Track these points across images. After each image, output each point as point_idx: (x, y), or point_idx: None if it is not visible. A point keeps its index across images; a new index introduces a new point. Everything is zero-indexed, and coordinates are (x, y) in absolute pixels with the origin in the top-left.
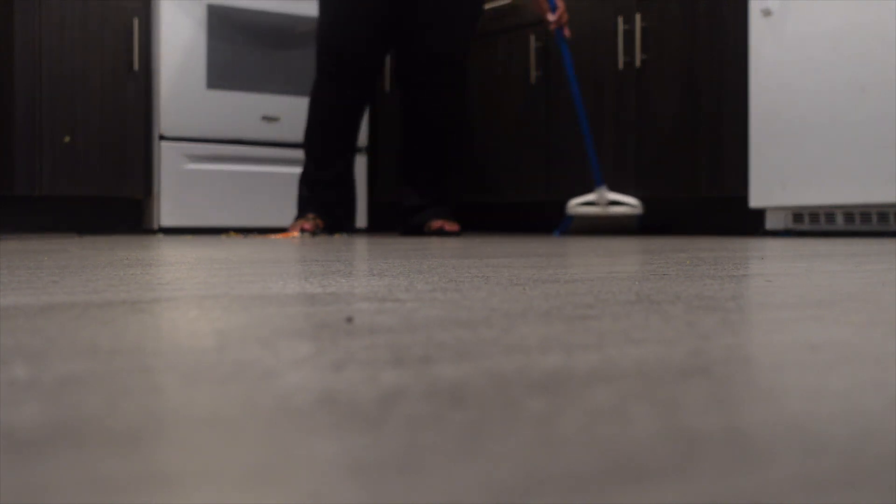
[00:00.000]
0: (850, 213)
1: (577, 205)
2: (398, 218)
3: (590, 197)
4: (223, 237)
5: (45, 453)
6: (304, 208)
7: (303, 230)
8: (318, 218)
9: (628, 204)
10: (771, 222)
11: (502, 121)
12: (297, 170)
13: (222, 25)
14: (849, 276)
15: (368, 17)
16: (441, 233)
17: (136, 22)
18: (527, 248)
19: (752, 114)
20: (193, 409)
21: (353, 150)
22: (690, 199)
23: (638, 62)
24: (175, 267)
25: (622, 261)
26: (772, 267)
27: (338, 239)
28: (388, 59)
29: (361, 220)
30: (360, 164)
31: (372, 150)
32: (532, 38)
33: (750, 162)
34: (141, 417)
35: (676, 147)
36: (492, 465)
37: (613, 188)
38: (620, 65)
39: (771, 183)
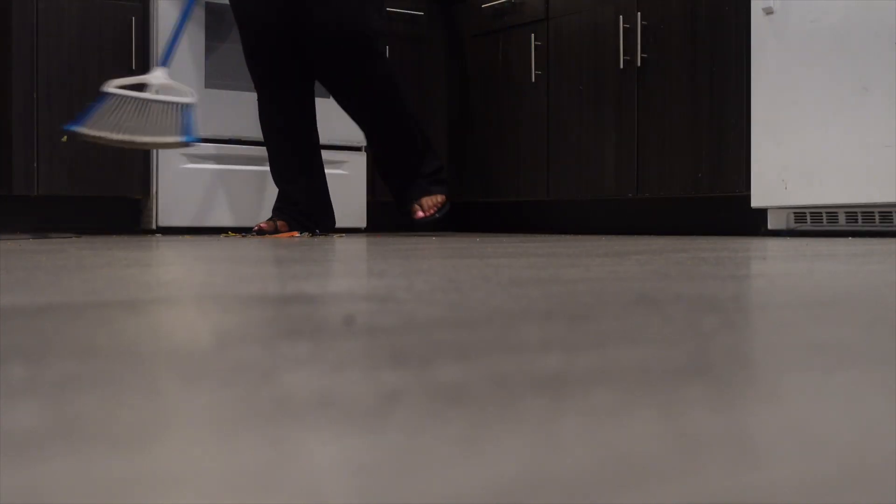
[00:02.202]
0: (852, 212)
1: (119, 86)
2: (397, 206)
3: (141, 78)
4: (222, 237)
5: (44, 453)
6: (274, 214)
7: (259, 230)
8: (281, 221)
9: (179, 93)
10: (773, 222)
11: (502, 120)
12: None
13: (220, 25)
14: (851, 277)
15: (267, 14)
16: (425, 221)
17: (133, 21)
18: (527, 248)
19: (753, 113)
20: (193, 409)
21: (317, 152)
22: (692, 199)
23: (639, 61)
24: (174, 267)
25: (623, 261)
26: (774, 267)
27: (338, 240)
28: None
29: (361, 220)
30: (360, 164)
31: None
32: (532, 37)
33: (752, 161)
34: (140, 418)
35: (678, 146)
36: (492, 465)
37: (615, 188)
38: (621, 63)
39: (773, 182)
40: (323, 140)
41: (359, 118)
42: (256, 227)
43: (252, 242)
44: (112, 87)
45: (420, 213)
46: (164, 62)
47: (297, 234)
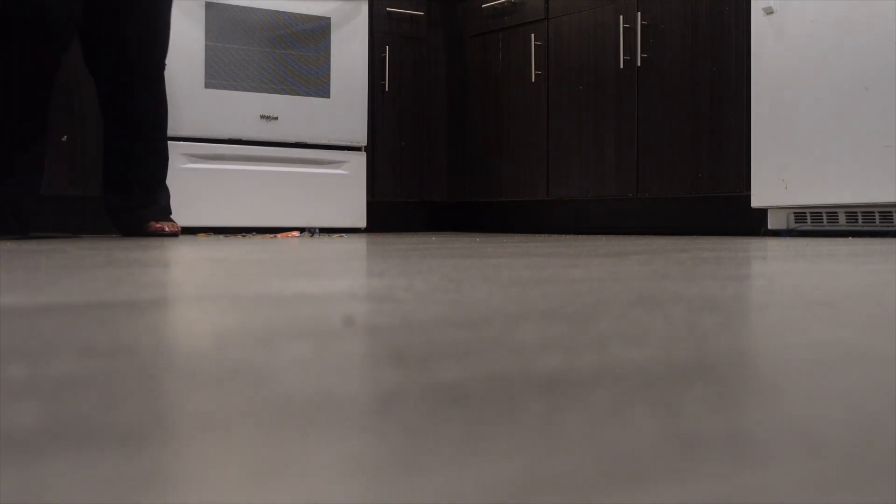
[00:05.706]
0: (852, 212)
1: None
2: (110, 218)
3: None
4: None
5: (45, 453)
6: None
7: None
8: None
9: None
10: (773, 222)
11: (502, 120)
12: (297, 169)
13: (220, 24)
14: (851, 277)
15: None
16: (161, 234)
17: None
18: (527, 248)
19: (753, 113)
20: (193, 409)
21: (44, 126)
22: (692, 199)
23: (639, 61)
24: (173, 267)
25: (623, 261)
26: (774, 267)
27: (338, 239)
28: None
29: (360, 220)
30: (360, 164)
31: (371, 150)
32: (532, 37)
33: (752, 161)
34: (140, 418)
35: (678, 146)
36: (492, 465)
37: (615, 188)
38: (621, 63)
39: (773, 182)
40: (323, 140)
41: (122, 125)
42: None
43: (251, 242)
44: None
45: (157, 226)
46: None
47: (297, 234)
